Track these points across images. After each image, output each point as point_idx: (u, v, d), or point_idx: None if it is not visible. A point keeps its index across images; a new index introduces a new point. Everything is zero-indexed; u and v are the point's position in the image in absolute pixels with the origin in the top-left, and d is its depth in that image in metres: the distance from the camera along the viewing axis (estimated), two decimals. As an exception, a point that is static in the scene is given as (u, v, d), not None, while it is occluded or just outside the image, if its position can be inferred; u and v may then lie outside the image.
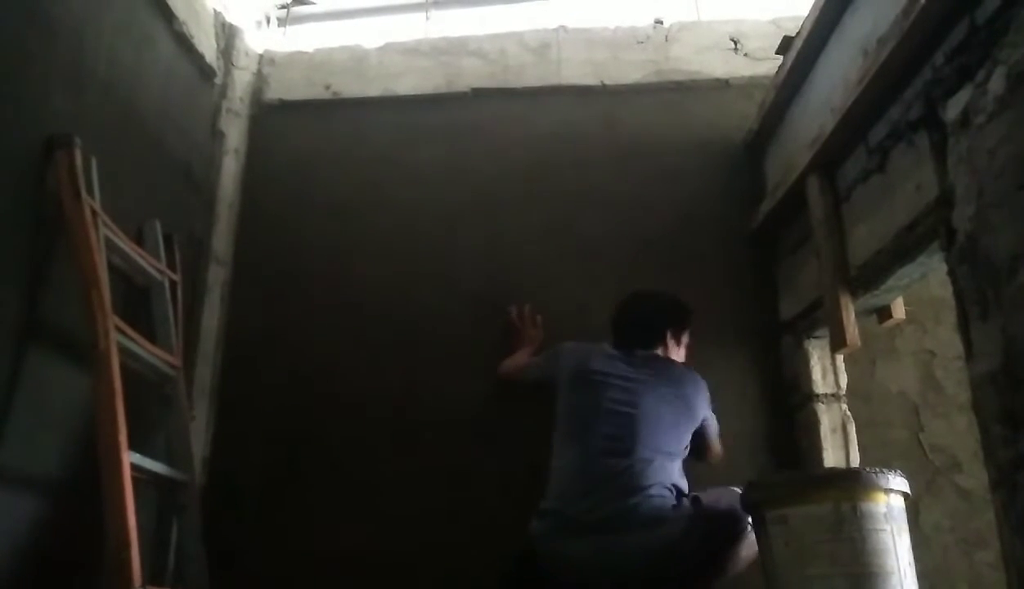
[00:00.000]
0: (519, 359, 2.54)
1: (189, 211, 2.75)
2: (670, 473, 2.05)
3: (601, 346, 2.32)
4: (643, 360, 2.25)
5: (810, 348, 2.49)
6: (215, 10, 2.99)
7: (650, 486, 1.97)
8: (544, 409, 2.30)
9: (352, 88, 3.18)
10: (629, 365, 2.22)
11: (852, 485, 1.82)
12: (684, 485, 2.09)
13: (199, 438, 2.60)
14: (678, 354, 2.36)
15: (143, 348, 2.10)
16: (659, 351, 2.31)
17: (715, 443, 2.31)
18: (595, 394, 2.15)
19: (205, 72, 2.90)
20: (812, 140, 2.19)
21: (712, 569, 1.99)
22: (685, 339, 2.39)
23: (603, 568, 1.91)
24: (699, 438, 2.24)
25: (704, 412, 2.23)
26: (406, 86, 3.15)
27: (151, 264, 2.30)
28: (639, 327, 2.32)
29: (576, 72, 3.08)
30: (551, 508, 2.04)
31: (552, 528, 2.00)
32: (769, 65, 2.73)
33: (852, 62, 2.00)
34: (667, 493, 2.01)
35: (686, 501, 2.04)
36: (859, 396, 2.52)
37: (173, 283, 2.41)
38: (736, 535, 1.98)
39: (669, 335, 2.33)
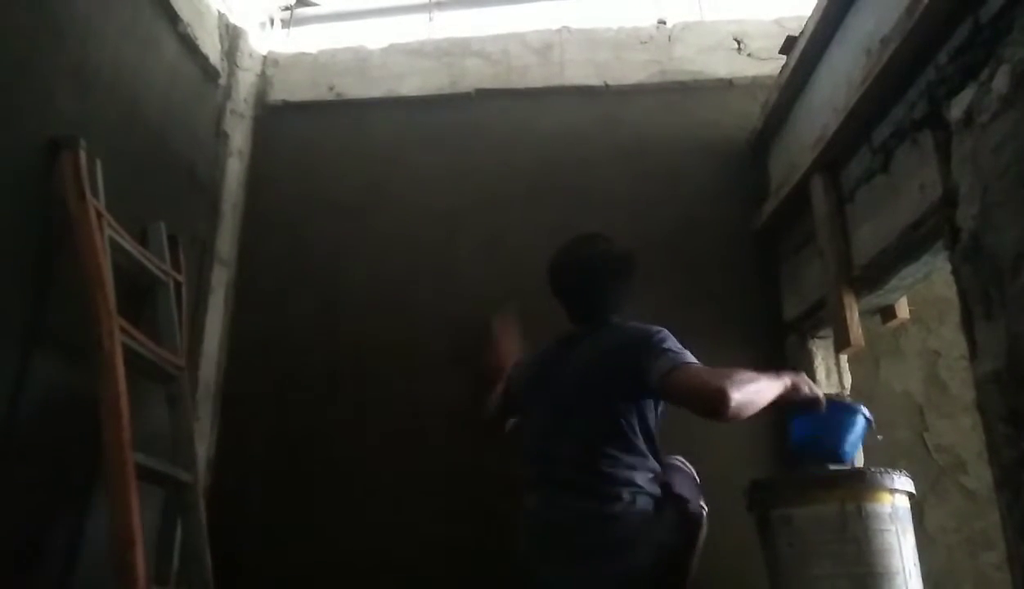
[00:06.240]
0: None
1: (193, 212, 2.76)
2: (623, 478, 1.77)
3: (542, 350, 2.04)
4: (579, 343, 1.92)
5: (814, 348, 2.49)
6: (219, 12, 3.00)
7: (604, 515, 1.74)
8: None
9: (356, 89, 3.18)
10: (556, 363, 1.93)
11: (857, 485, 1.81)
12: (643, 477, 1.79)
13: (203, 438, 2.61)
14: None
15: (147, 348, 2.10)
16: (612, 316, 1.96)
17: (693, 387, 1.66)
18: (529, 424, 1.96)
19: (209, 73, 2.91)
20: (815, 140, 2.19)
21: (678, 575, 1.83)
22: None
23: None
24: (649, 394, 1.81)
25: (634, 372, 1.76)
26: (409, 87, 3.16)
27: (155, 265, 2.31)
28: (581, 299, 1.99)
29: (579, 73, 3.08)
30: (524, 544, 1.88)
31: (527, 550, 1.85)
32: (772, 65, 2.73)
33: (855, 62, 2.00)
34: (628, 508, 1.75)
35: (646, 498, 1.77)
36: (863, 396, 2.51)
37: (177, 284, 2.42)
38: (697, 531, 1.82)
39: (620, 295, 1.98)
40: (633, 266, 2.01)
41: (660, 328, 1.82)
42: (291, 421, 2.73)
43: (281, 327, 2.85)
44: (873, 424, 1.89)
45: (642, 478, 1.78)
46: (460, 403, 2.64)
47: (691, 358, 1.73)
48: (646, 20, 3.18)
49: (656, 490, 1.80)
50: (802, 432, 1.86)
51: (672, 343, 1.77)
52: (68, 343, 1.96)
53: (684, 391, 1.68)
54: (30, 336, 1.87)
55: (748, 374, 1.66)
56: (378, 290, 2.85)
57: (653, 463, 1.82)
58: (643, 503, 1.76)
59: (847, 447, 1.82)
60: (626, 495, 1.75)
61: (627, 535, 1.72)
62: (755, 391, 1.67)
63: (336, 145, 3.10)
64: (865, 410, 1.88)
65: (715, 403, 1.60)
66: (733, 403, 1.59)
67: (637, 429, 1.81)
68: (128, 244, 2.16)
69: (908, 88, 1.76)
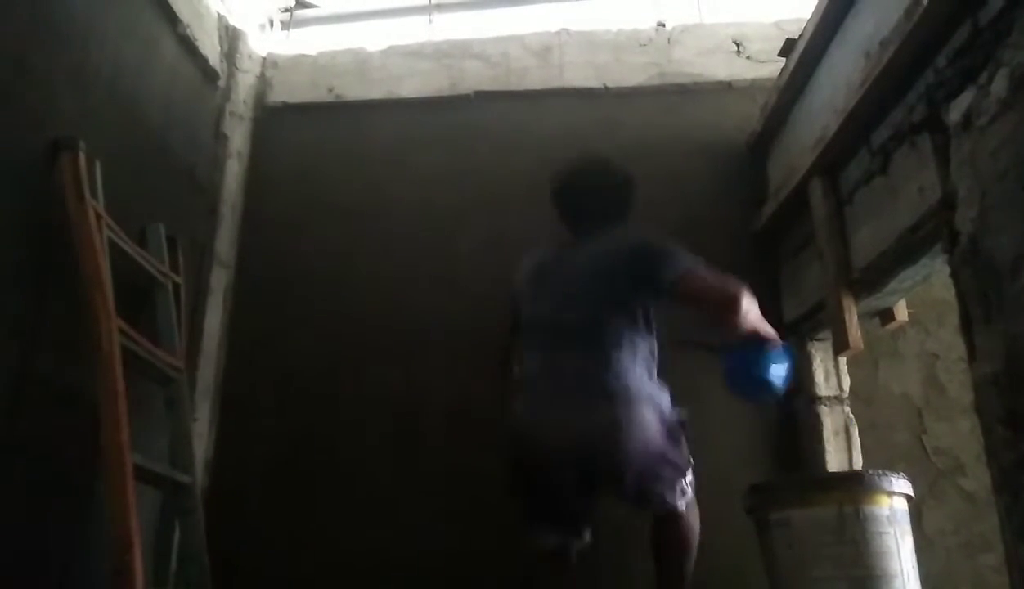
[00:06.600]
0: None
1: (192, 214, 2.76)
2: (624, 344, 1.87)
3: (543, 252, 2.16)
4: (584, 246, 2.04)
5: (813, 350, 2.49)
6: (219, 13, 3.00)
7: (606, 367, 1.84)
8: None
9: (355, 91, 3.19)
10: (561, 260, 2.06)
11: (855, 488, 1.82)
12: (644, 350, 1.91)
13: (202, 440, 2.61)
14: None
15: (146, 350, 2.10)
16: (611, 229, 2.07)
17: (710, 287, 1.86)
18: (533, 306, 2.04)
19: (209, 75, 2.91)
20: (814, 142, 2.19)
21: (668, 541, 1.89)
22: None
23: (569, 440, 1.80)
24: (658, 294, 1.92)
25: (645, 270, 1.91)
26: (409, 89, 3.16)
27: (154, 266, 2.31)
28: (586, 220, 2.10)
29: (578, 75, 3.08)
30: (525, 401, 1.96)
31: (524, 411, 1.93)
32: (771, 67, 2.73)
33: (855, 64, 2.00)
34: (629, 367, 1.85)
35: (645, 367, 1.89)
36: (862, 398, 2.52)
37: (176, 285, 2.41)
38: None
39: (623, 215, 2.13)
40: (634, 191, 2.17)
41: (667, 238, 1.99)
42: (290, 422, 2.73)
43: (280, 328, 2.85)
44: (795, 356, 1.98)
45: (643, 350, 1.90)
46: (460, 403, 2.65)
47: (703, 265, 1.90)
48: (645, 22, 3.18)
49: (653, 368, 1.92)
50: (732, 364, 1.95)
51: (683, 251, 1.93)
52: (67, 344, 1.96)
53: (702, 291, 1.86)
54: (29, 337, 1.87)
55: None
56: (378, 291, 2.85)
57: (653, 344, 1.94)
58: (643, 369, 1.88)
59: (771, 375, 1.87)
60: (627, 356, 1.86)
61: (628, 387, 1.82)
62: (756, 309, 1.86)
63: (335, 147, 3.10)
64: (785, 344, 1.96)
65: (731, 304, 1.81)
66: (743, 308, 1.79)
67: (639, 313, 1.93)
68: (127, 245, 2.15)
69: (907, 91, 1.76)
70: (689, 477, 1.90)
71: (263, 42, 3.36)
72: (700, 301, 1.88)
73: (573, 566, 1.92)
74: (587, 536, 1.93)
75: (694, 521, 1.91)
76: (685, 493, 1.88)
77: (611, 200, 2.12)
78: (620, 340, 1.87)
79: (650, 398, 1.85)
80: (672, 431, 1.87)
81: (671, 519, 1.89)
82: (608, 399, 1.80)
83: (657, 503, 1.86)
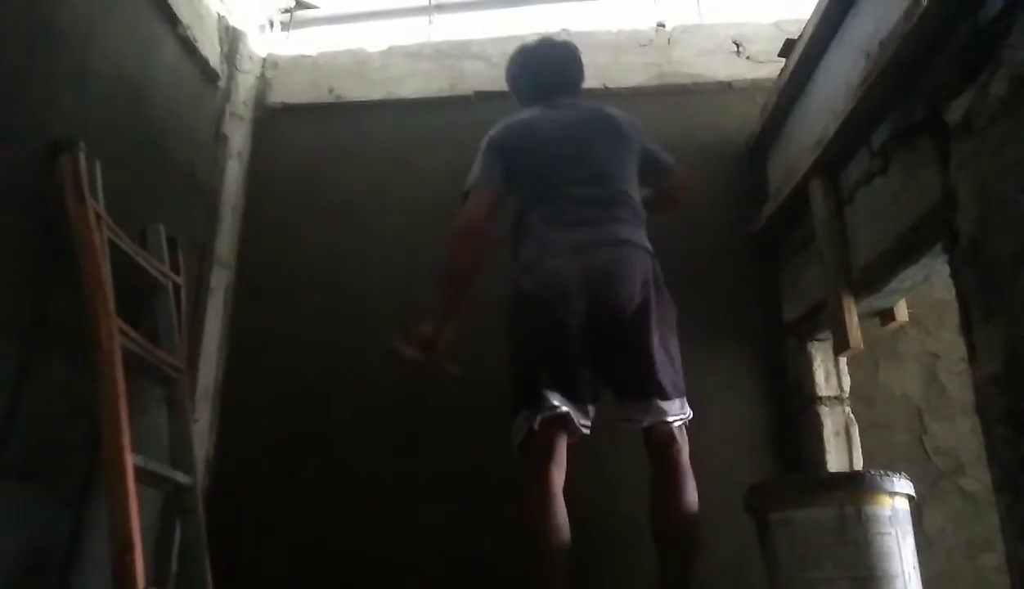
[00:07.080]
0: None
1: (193, 214, 2.76)
2: (627, 202, 2.08)
3: (527, 115, 2.25)
4: (567, 106, 2.26)
5: (813, 351, 2.49)
6: (219, 14, 3.00)
7: (613, 220, 2.02)
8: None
9: (355, 91, 3.19)
10: (569, 115, 2.21)
11: (856, 488, 1.81)
12: (642, 228, 2.11)
13: (202, 440, 2.61)
14: None
15: (146, 350, 2.10)
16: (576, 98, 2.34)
17: (689, 180, 2.33)
18: (540, 155, 2.13)
19: (209, 76, 2.91)
20: (814, 143, 2.19)
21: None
22: None
23: (575, 275, 1.92)
24: (655, 170, 2.25)
25: (641, 140, 2.24)
26: (409, 89, 3.16)
27: (155, 267, 2.30)
28: (569, 74, 2.36)
29: (578, 75, 3.08)
30: (535, 252, 2.04)
31: (540, 255, 2.01)
32: (771, 68, 2.73)
33: (854, 65, 2.00)
34: (636, 229, 2.05)
35: (645, 232, 2.09)
36: (862, 399, 2.52)
37: (176, 286, 2.41)
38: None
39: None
40: None
41: None
42: (291, 423, 2.72)
43: (281, 329, 2.85)
44: None
45: (640, 211, 2.10)
46: (461, 403, 2.65)
47: None
48: (645, 23, 3.19)
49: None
50: None
51: None
52: (67, 345, 1.96)
53: (688, 181, 2.31)
54: (29, 338, 1.87)
55: None
56: (378, 292, 2.84)
57: (644, 210, 2.14)
58: (642, 227, 2.08)
59: None
60: (628, 213, 2.06)
61: (633, 236, 2.01)
62: None
63: (335, 147, 3.10)
64: None
65: (695, 196, 2.37)
66: None
67: (633, 178, 2.14)
68: (127, 246, 2.15)
69: (907, 91, 1.76)
70: (686, 406, 1.96)
71: (263, 43, 3.36)
72: (684, 189, 2.31)
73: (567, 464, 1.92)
74: (590, 416, 1.95)
75: (692, 486, 1.90)
76: (681, 415, 1.92)
77: (580, 69, 2.38)
78: (623, 197, 2.07)
79: (649, 252, 2.03)
80: (666, 297, 2.03)
81: (671, 456, 1.90)
82: (615, 244, 1.97)
83: (651, 388, 1.89)
